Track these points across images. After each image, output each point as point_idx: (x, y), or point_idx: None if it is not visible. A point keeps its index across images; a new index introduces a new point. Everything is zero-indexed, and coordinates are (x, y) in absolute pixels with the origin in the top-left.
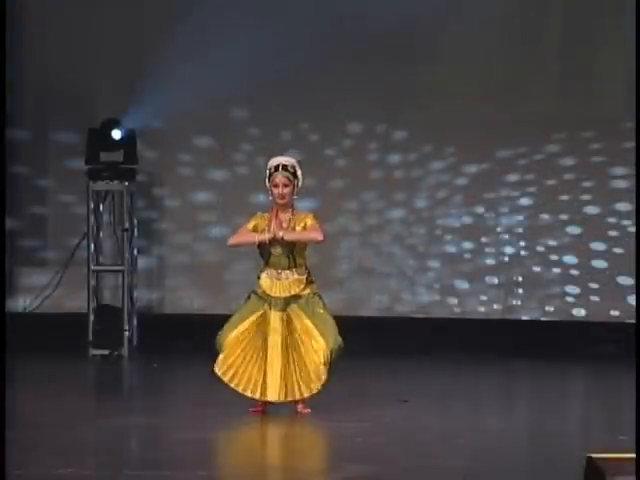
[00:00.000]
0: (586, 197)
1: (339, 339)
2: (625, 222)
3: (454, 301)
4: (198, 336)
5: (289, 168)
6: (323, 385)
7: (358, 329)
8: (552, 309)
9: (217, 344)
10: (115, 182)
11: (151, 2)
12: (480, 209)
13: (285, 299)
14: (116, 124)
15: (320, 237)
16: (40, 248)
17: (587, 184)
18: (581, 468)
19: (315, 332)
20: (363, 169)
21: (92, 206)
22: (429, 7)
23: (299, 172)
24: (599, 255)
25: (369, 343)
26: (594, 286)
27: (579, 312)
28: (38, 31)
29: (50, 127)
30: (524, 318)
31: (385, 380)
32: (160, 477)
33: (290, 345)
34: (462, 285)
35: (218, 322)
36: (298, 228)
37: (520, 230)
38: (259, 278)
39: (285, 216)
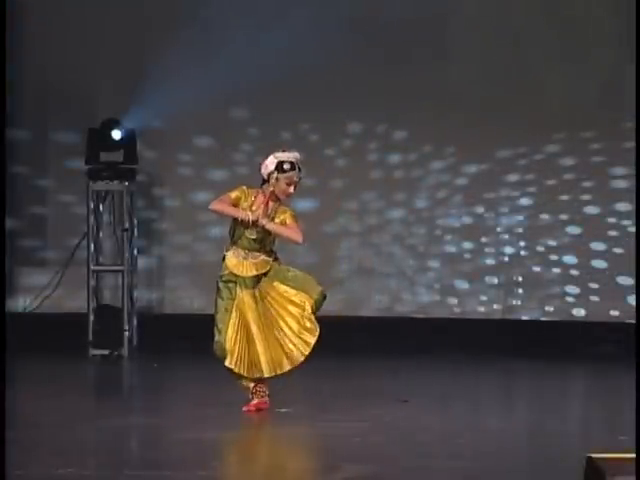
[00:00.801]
0: (586, 197)
1: (319, 288)
2: (625, 222)
3: (454, 301)
4: (198, 336)
5: (301, 169)
6: (316, 339)
7: (358, 329)
8: (552, 309)
9: (218, 352)
10: (115, 182)
11: (151, 2)
12: (480, 209)
13: (253, 277)
14: (116, 124)
15: (300, 240)
16: (40, 248)
17: (587, 184)
18: (581, 468)
19: (292, 292)
20: (363, 169)
21: (92, 206)
22: (429, 7)
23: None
24: (599, 255)
25: (369, 343)
26: (594, 286)
27: (579, 312)
28: (38, 31)
29: (50, 127)
30: (524, 318)
31: (385, 380)
32: (160, 477)
33: (268, 319)
34: (462, 285)
35: None
36: (277, 220)
37: (520, 230)
38: (224, 259)
39: (271, 205)
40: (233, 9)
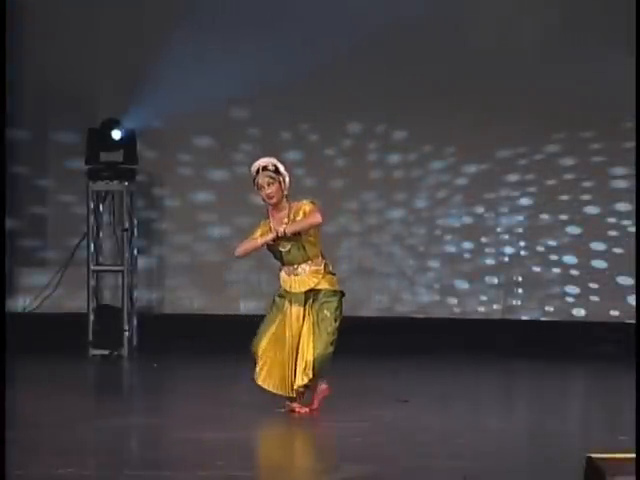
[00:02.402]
0: (586, 197)
1: (326, 351)
2: (625, 222)
3: (454, 301)
4: (198, 336)
5: (269, 167)
6: (304, 386)
7: (358, 329)
8: (552, 309)
9: (252, 351)
10: (115, 182)
11: (151, 3)
12: (480, 209)
13: (304, 294)
14: (116, 124)
15: (319, 219)
16: (40, 248)
17: (587, 184)
18: (581, 468)
19: (310, 339)
20: (363, 169)
21: (92, 206)
22: (429, 8)
23: (281, 169)
24: (599, 255)
25: (369, 343)
26: (594, 286)
27: (579, 312)
28: (38, 31)
29: (50, 127)
30: (524, 318)
31: (385, 380)
32: (160, 477)
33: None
34: (462, 285)
35: (218, 322)
36: (298, 218)
37: (520, 230)
38: (280, 278)
39: (282, 213)
40: (233, 10)
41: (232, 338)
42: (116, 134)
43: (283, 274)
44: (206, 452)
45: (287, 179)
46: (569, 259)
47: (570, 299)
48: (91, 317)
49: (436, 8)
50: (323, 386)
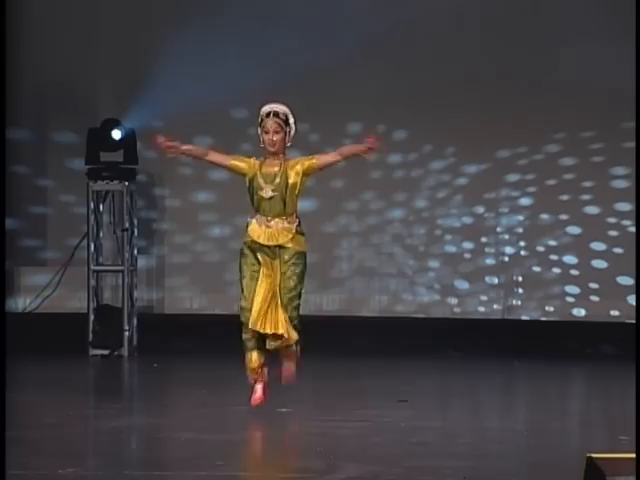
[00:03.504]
0: (586, 197)
1: (290, 314)
2: (625, 222)
3: (454, 301)
4: (198, 336)
5: (280, 115)
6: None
7: (358, 329)
8: (552, 309)
9: (242, 319)
10: (115, 182)
11: (152, 3)
12: (480, 209)
13: (271, 248)
14: (116, 124)
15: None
16: (40, 248)
17: (587, 184)
18: (581, 468)
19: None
20: (363, 169)
21: (92, 206)
22: (429, 8)
23: (291, 120)
24: (599, 255)
25: (369, 343)
26: (594, 286)
27: (579, 312)
28: (39, 31)
29: (50, 127)
30: (524, 318)
31: (385, 380)
32: (160, 477)
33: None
34: (462, 285)
35: (218, 322)
36: (292, 172)
37: (520, 230)
38: (247, 226)
39: (275, 162)
40: (233, 9)
41: (232, 338)
42: (116, 134)
43: (254, 223)
44: (206, 452)
45: (293, 132)
46: (569, 259)
47: (570, 299)
48: (91, 317)
49: (436, 8)
50: (290, 367)
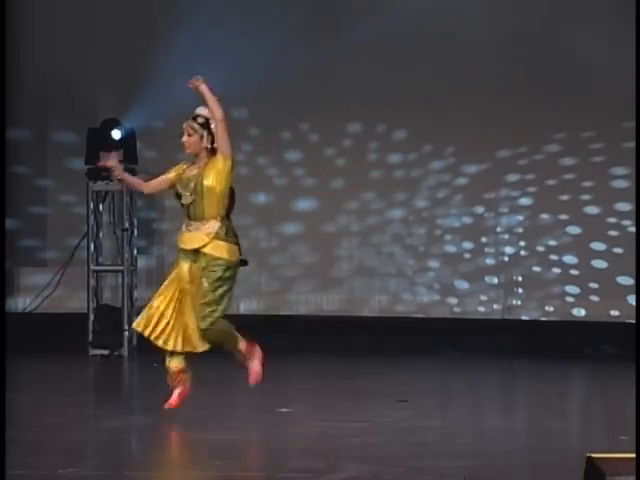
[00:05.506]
0: (586, 197)
1: (203, 322)
2: (625, 222)
3: (454, 301)
4: None
5: (198, 119)
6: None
7: (358, 329)
8: (552, 309)
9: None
10: (115, 182)
11: (152, 2)
12: (480, 209)
13: (192, 252)
14: (116, 124)
15: (219, 115)
16: (40, 248)
17: (587, 184)
18: (581, 468)
19: (191, 307)
20: (363, 169)
21: (92, 206)
22: (429, 8)
23: (213, 125)
24: (599, 255)
25: (369, 343)
26: (594, 286)
27: (579, 312)
28: (39, 31)
29: (50, 127)
30: (524, 318)
31: (385, 380)
32: (160, 477)
33: (187, 298)
34: (462, 285)
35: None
36: (210, 173)
37: (520, 230)
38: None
39: (194, 167)
40: (233, 9)
41: None
42: (116, 134)
43: (183, 227)
44: (206, 452)
45: (211, 137)
46: (569, 259)
47: (570, 299)
48: (91, 317)
49: (436, 8)
50: (255, 367)
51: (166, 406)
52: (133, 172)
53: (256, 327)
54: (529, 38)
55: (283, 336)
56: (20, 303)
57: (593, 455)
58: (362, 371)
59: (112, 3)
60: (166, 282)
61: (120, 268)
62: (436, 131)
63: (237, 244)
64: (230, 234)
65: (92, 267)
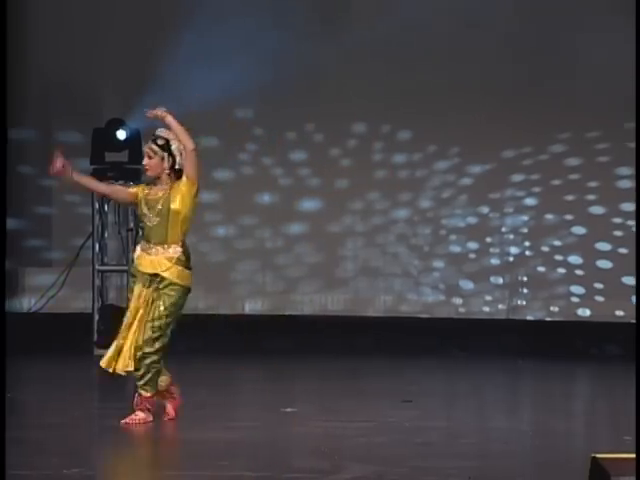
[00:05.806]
0: (591, 197)
1: (149, 348)
2: (630, 222)
3: (459, 301)
4: (199, 336)
5: (158, 141)
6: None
7: (363, 329)
8: (557, 309)
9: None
10: (120, 182)
11: (156, 3)
12: (485, 209)
13: (150, 276)
14: (121, 124)
15: (192, 145)
16: (45, 248)
17: (592, 184)
18: (586, 468)
19: (140, 329)
20: (368, 169)
21: (97, 206)
22: (435, 8)
23: (174, 146)
24: (604, 255)
25: (374, 343)
26: (599, 286)
27: (584, 312)
28: (44, 31)
29: (55, 127)
30: (529, 318)
31: (390, 380)
32: (160, 477)
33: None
34: (467, 285)
35: (221, 322)
36: (177, 197)
37: (525, 230)
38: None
39: (163, 187)
40: (237, 10)
41: (236, 338)
42: (121, 134)
43: (138, 249)
44: (207, 452)
45: (173, 159)
46: (574, 259)
47: (575, 299)
48: (96, 317)
49: (441, 9)
50: (170, 411)
51: (167, 419)
52: (138, 172)
53: (261, 327)
54: (534, 39)
55: (288, 336)
56: (25, 303)
57: (598, 455)
58: (367, 371)
59: (117, 3)
60: (127, 314)
61: (125, 268)
62: (441, 131)
63: (190, 269)
64: (189, 260)
65: (97, 267)
